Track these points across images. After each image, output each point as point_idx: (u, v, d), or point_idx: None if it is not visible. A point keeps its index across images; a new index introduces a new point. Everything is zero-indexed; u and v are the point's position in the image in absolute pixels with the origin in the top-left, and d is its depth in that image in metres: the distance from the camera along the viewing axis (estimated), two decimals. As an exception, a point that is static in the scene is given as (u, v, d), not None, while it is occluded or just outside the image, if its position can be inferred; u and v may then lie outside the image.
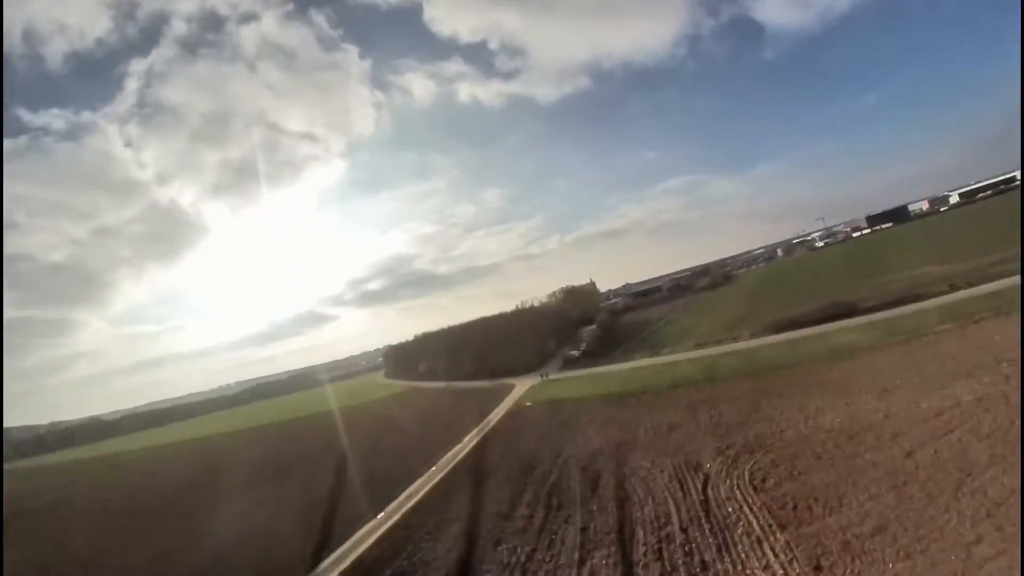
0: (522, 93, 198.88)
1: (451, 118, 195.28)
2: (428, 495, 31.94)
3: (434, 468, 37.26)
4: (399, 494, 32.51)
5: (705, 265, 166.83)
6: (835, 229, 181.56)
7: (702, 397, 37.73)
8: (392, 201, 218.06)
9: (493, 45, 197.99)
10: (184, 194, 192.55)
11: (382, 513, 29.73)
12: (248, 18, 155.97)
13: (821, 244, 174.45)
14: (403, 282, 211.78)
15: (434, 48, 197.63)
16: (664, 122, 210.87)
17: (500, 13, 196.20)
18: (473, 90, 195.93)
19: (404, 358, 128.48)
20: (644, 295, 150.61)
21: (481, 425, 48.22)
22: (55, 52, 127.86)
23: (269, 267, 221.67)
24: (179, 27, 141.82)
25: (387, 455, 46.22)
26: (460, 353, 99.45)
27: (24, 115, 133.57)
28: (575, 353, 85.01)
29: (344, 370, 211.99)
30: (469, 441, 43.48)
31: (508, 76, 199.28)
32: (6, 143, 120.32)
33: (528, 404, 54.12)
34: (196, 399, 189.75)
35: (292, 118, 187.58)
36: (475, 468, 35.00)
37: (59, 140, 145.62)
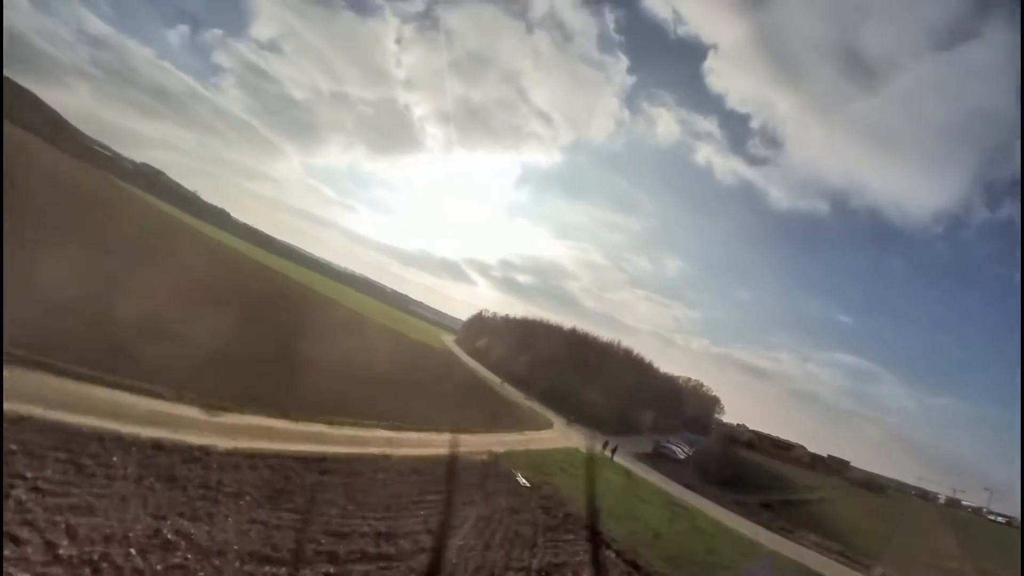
0: (757, 185, 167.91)
1: (678, 170, 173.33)
2: None
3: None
4: None
5: (840, 460, 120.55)
6: (1004, 512, 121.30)
7: None
8: (582, 215, 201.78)
9: (755, 124, 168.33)
10: (418, 107, 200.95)
11: None
12: None
13: (1001, 520, 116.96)
14: (547, 292, 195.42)
15: (698, 98, 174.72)
16: (875, 291, 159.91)
17: (779, 95, 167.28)
18: (712, 156, 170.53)
19: (477, 328, 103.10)
20: (776, 444, 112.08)
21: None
22: None
23: (452, 205, 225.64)
24: None
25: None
26: (528, 350, 70.16)
27: None
28: (677, 451, 50.77)
29: (436, 317, 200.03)
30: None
31: (752, 161, 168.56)
32: None
33: (524, 483, 19.80)
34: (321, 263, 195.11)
35: (539, 93, 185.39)
36: None
37: (347, 7, 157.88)
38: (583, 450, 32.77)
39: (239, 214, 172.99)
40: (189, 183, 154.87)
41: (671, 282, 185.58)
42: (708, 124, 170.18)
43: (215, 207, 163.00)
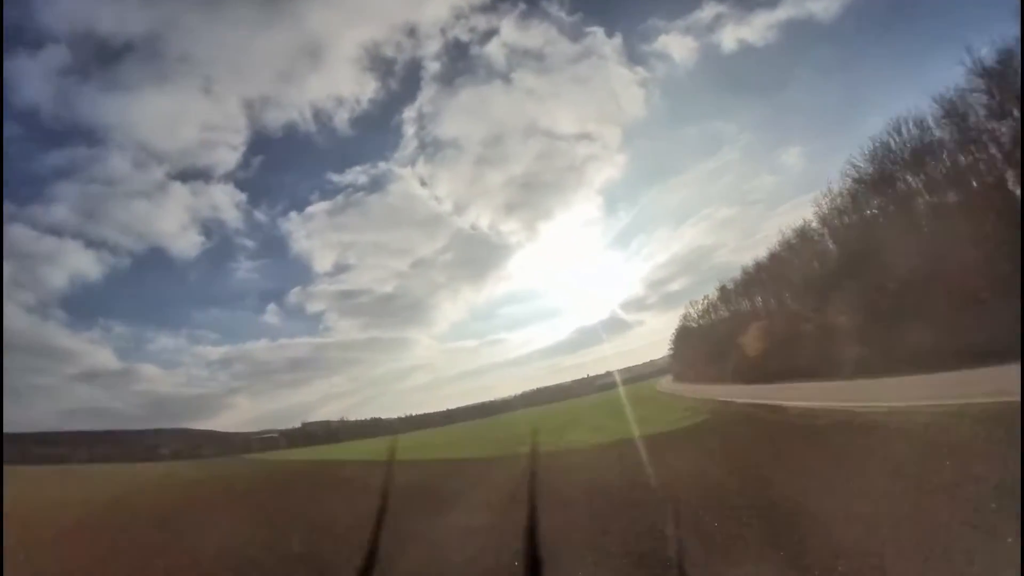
0: (795, 17, 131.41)
1: (723, 74, 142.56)
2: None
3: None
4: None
5: None
6: None
7: None
8: (682, 188, 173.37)
9: None
10: (481, 218, 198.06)
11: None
12: (488, 35, 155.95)
13: None
14: (707, 278, 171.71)
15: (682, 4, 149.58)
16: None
17: None
18: (737, 33, 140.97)
19: (696, 343, 65.52)
20: None
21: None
22: (341, 121, 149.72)
23: (570, 275, 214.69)
24: (432, 67, 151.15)
25: None
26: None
27: (334, 177, 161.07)
28: None
29: (634, 375, 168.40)
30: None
31: (772, 2, 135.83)
32: (328, 204, 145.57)
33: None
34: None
35: (562, 121, 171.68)
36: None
37: (368, 192, 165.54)
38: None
39: (401, 411, 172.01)
40: (357, 415, 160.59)
41: (803, 174, 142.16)
42: (707, 10, 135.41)
43: (366, 421, 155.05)
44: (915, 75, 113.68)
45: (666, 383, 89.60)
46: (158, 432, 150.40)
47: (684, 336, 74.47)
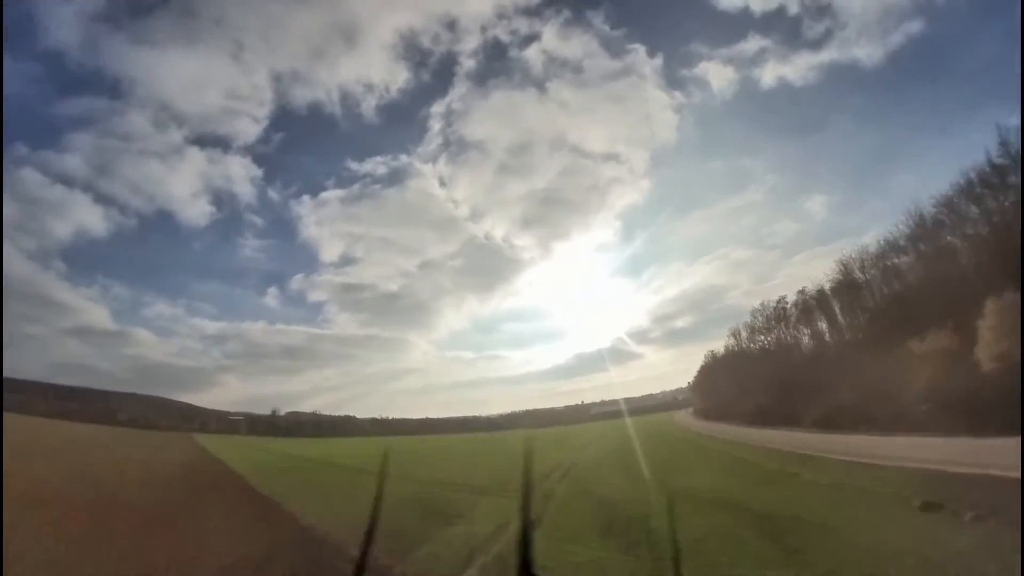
0: (838, 60, 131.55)
1: (759, 109, 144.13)
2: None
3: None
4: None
5: None
6: None
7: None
8: (702, 223, 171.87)
9: (793, 9, 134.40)
10: (496, 228, 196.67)
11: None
12: (529, 39, 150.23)
13: None
14: (714, 318, 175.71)
15: (725, 27, 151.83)
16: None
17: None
18: (779, 70, 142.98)
19: (726, 379, 50.88)
20: None
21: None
22: (368, 108, 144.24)
23: (577, 299, 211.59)
24: (467, 64, 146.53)
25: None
26: None
27: (352, 165, 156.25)
28: None
29: (632, 407, 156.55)
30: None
31: (817, 43, 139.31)
32: (342, 192, 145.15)
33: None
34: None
35: (592, 138, 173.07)
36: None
37: (385, 185, 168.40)
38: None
39: (381, 412, 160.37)
40: (339, 411, 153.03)
41: (824, 224, 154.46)
42: (753, 43, 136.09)
43: (338, 417, 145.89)
44: (950, 135, 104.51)
45: (690, 420, 74.23)
46: (129, 396, 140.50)
47: (725, 363, 59.67)
